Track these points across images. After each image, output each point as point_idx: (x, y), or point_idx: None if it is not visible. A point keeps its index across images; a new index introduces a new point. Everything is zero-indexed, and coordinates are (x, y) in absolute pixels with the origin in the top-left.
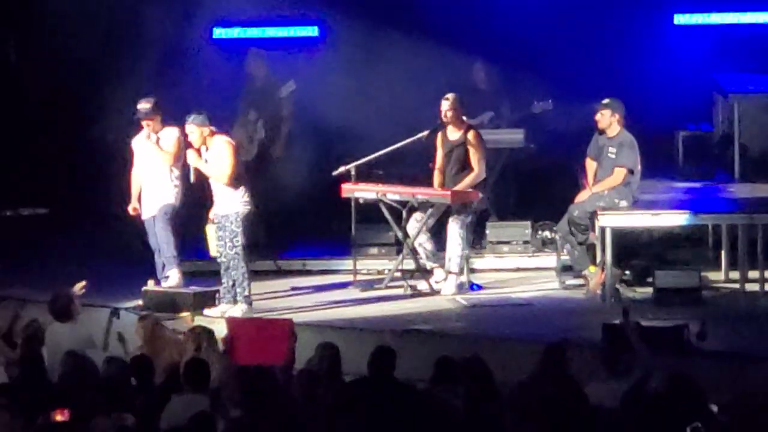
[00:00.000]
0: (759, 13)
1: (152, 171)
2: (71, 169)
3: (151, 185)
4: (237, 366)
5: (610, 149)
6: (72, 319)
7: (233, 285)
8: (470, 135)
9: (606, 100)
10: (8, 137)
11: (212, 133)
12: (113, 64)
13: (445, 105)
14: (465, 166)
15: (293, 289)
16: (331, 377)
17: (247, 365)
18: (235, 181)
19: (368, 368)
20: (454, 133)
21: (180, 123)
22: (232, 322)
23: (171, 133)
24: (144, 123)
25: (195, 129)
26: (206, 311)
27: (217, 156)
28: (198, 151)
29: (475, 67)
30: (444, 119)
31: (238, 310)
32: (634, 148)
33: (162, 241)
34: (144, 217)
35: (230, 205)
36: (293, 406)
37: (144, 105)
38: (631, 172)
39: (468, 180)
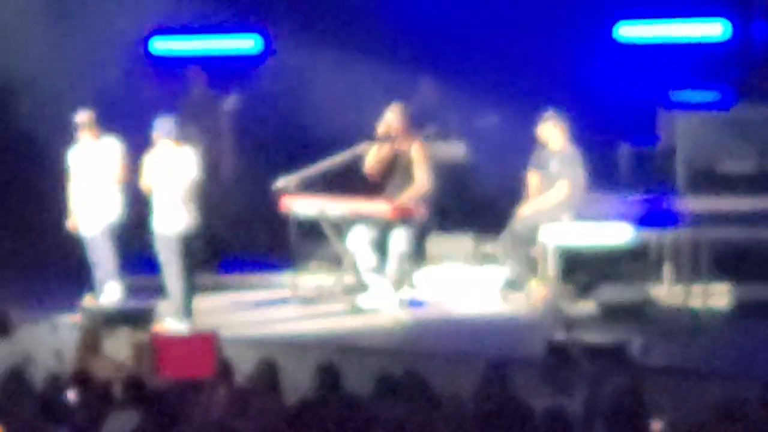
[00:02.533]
0: (703, 26)
1: (93, 184)
2: (7, 182)
3: (92, 199)
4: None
5: (554, 162)
6: (8, 335)
7: (182, 299)
8: (415, 146)
9: (549, 113)
10: None
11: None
12: (50, 75)
13: (391, 115)
14: (409, 178)
15: (233, 304)
16: (271, 393)
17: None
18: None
19: (315, 387)
20: (399, 144)
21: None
22: (156, 338)
23: (113, 145)
24: (81, 134)
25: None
26: (154, 326)
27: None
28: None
29: (423, 80)
30: (389, 130)
31: (179, 325)
32: (578, 161)
33: (103, 255)
34: (84, 231)
35: (160, 220)
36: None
37: (81, 116)
38: (574, 185)
39: (412, 192)
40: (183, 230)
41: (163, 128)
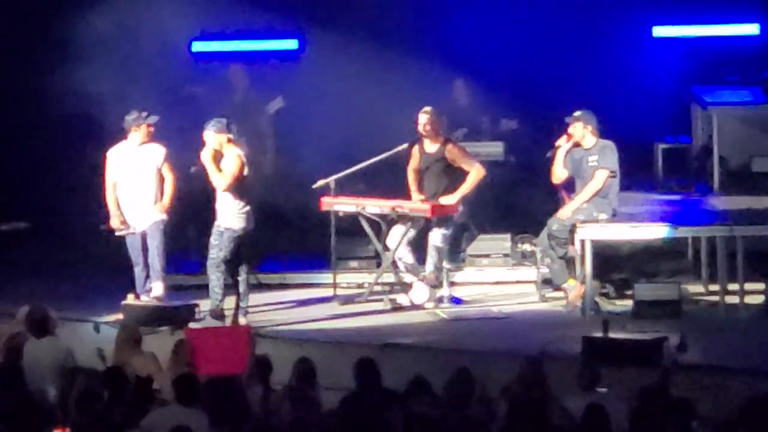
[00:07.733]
0: (736, 25)
1: (140, 184)
2: (52, 183)
3: (139, 198)
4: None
5: (590, 158)
6: (50, 334)
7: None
8: (450, 146)
9: (577, 113)
10: None
11: (229, 142)
12: (94, 78)
13: (423, 118)
14: (447, 180)
15: (273, 303)
16: (309, 391)
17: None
18: (234, 195)
19: (355, 380)
20: (431, 146)
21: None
22: (191, 333)
23: (157, 145)
24: (130, 134)
25: (213, 136)
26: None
27: (223, 166)
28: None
29: (456, 83)
30: (422, 132)
31: (217, 322)
32: (615, 152)
33: (153, 254)
34: (128, 230)
35: (227, 218)
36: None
37: (133, 115)
38: (613, 174)
39: (471, 179)
40: (233, 230)
41: (214, 128)
